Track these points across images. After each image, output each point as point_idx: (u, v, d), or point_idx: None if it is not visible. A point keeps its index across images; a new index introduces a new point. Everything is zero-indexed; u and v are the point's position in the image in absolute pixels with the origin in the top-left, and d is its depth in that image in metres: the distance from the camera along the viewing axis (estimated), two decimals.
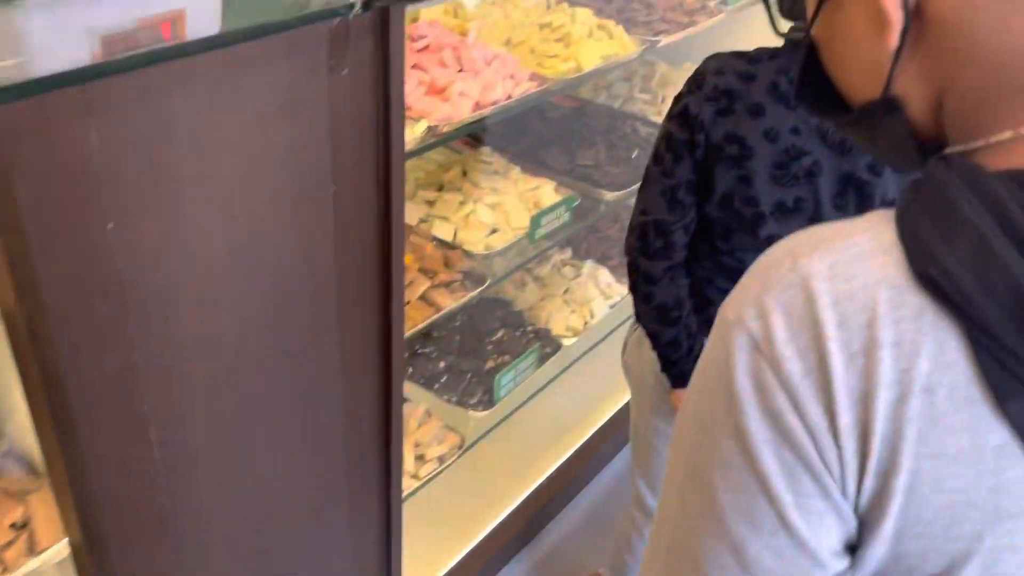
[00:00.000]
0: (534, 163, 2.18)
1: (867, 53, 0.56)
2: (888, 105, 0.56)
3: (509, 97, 1.67)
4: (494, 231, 1.92)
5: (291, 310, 1.14)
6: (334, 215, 1.13)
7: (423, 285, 1.63)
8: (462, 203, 1.93)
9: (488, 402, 1.89)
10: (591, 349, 2.26)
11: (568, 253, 2.46)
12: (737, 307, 0.52)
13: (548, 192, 2.02)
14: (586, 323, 2.21)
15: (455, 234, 1.88)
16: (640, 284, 1.36)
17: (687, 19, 2.24)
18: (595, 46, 1.89)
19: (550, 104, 2.43)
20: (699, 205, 1.34)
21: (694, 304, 1.38)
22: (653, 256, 1.33)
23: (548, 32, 1.93)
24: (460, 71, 1.70)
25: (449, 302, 1.65)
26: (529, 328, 2.12)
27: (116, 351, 0.95)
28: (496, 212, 1.95)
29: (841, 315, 0.48)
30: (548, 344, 2.09)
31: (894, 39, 0.53)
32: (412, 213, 1.91)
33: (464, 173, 2.09)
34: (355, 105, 1.09)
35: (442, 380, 1.93)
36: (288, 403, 1.21)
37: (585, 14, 2.02)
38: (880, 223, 0.51)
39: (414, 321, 1.57)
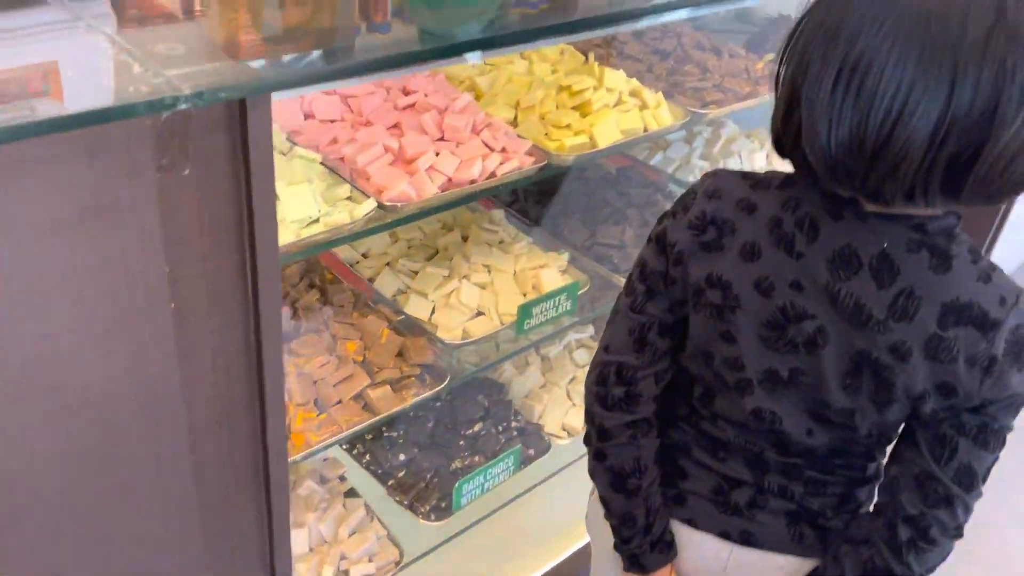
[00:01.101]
0: (550, 233, 1.93)
1: None
2: None
3: (492, 175, 1.42)
4: (479, 314, 1.68)
5: (119, 443, 0.94)
6: (175, 335, 0.92)
7: (361, 383, 1.40)
8: (447, 278, 1.70)
9: (444, 511, 1.65)
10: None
11: (589, 331, 2.19)
12: None
13: (552, 274, 1.76)
14: None
15: (432, 314, 1.66)
16: (592, 437, 1.10)
17: (749, 88, 1.94)
18: (616, 117, 1.63)
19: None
20: (675, 351, 1.07)
21: (664, 474, 1.10)
22: (612, 407, 1.06)
23: (565, 96, 1.67)
24: (441, 139, 1.46)
25: (392, 405, 1.42)
26: (514, 424, 1.86)
27: None
28: (485, 293, 1.70)
29: None
30: (534, 444, 1.83)
31: None
32: (389, 285, 1.69)
33: (465, 239, 1.85)
34: (205, 210, 0.88)
35: (399, 476, 1.71)
36: (118, 547, 1.01)
37: (617, 77, 1.75)
38: None
39: (338, 427, 1.35)
